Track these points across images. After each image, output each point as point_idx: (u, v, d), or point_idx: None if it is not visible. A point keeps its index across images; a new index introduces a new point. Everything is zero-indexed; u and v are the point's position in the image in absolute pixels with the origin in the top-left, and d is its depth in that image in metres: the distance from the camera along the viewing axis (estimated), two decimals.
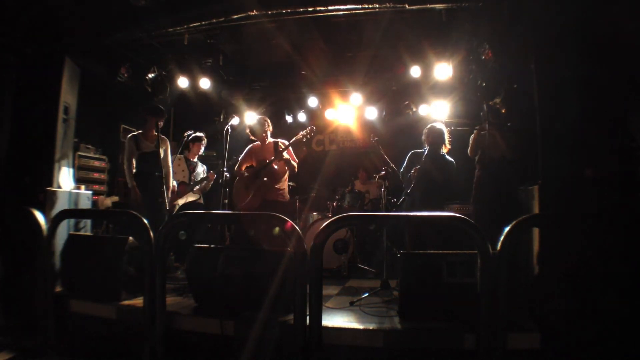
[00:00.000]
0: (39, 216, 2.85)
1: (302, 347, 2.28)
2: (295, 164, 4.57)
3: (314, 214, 5.49)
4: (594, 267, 2.68)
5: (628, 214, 2.64)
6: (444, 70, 4.96)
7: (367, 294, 3.49)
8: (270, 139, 4.70)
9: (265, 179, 4.48)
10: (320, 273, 2.31)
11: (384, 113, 6.49)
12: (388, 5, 3.89)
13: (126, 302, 3.09)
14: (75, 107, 4.63)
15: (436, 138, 4.36)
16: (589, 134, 3.01)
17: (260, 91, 6.44)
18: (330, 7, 4.01)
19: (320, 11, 4.04)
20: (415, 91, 5.98)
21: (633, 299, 2.54)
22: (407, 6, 3.90)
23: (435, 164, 4.24)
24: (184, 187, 5.02)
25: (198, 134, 5.20)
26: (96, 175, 5.96)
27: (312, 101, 6.48)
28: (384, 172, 4.61)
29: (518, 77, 3.91)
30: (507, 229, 2.12)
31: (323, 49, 5.25)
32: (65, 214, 3.38)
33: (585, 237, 2.73)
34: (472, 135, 4.29)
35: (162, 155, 4.47)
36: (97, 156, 6.02)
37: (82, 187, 4.78)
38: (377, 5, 3.92)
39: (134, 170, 4.47)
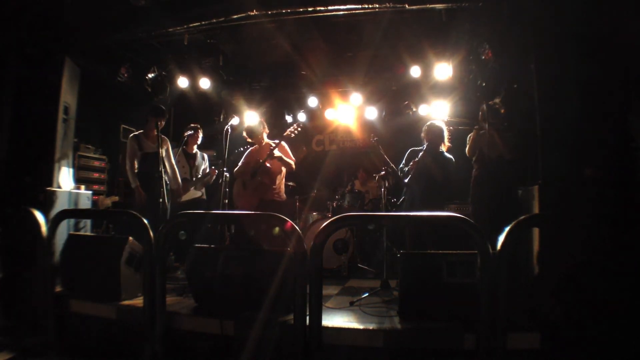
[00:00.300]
0: (39, 216, 2.85)
1: (302, 347, 2.28)
2: (290, 161, 4.57)
3: (314, 214, 5.49)
4: (593, 266, 2.68)
5: (628, 214, 2.64)
6: (444, 70, 4.97)
7: (367, 294, 3.49)
8: (266, 140, 4.70)
9: (259, 178, 4.49)
10: (320, 273, 2.31)
11: (384, 113, 6.49)
12: (388, 5, 3.89)
13: (126, 302, 3.09)
14: (75, 107, 4.64)
15: (435, 135, 4.36)
16: (589, 134, 3.01)
17: (260, 91, 6.44)
18: (330, 7, 4.01)
19: (320, 11, 4.04)
20: (415, 91, 5.98)
21: (633, 298, 2.54)
22: (407, 6, 3.90)
23: (435, 162, 4.24)
24: (186, 184, 5.01)
25: (191, 126, 5.14)
26: (96, 175, 5.97)
27: (312, 101, 6.48)
28: (384, 172, 4.60)
29: (518, 77, 3.91)
30: (507, 229, 2.12)
31: (323, 49, 5.25)
32: (65, 214, 3.38)
33: (585, 237, 2.73)
34: (471, 134, 4.30)
35: (163, 155, 4.48)
36: (97, 156, 6.03)
37: (82, 187, 4.78)
38: (377, 5, 3.92)
39: (136, 171, 4.48)
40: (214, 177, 5.05)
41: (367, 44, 5.02)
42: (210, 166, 5.34)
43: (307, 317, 2.29)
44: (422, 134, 4.48)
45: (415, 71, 5.22)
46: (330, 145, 7.82)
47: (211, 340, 2.74)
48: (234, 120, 4.52)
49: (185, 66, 5.35)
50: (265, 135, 4.72)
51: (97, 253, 3.29)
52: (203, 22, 4.28)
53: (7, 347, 2.82)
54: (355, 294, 3.60)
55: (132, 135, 4.65)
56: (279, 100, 6.63)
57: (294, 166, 4.64)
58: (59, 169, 4.37)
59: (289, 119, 6.68)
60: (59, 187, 4.32)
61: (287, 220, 2.46)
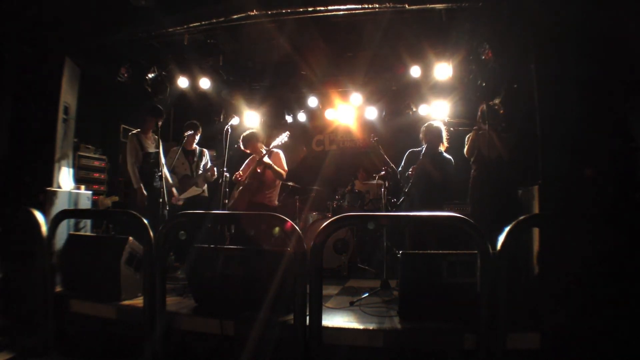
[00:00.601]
0: (39, 216, 2.85)
1: (302, 347, 2.28)
2: (280, 171, 4.57)
3: (314, 214, 5.49)
4: (593, 267, 2.68)
5: (628, 214, 2.64)
6: (444, 70, 4.96)
7: (367, 294, 3.49)
8: (263, 149, 4.68)
9: (247, 181, 4.52)
10: (320, 273, 2.31)
11: (384, 113, 6.48)
12: (388, 5, 3.89)
13: (126, 302, 3.09)
14: (75, 107, 4.64)
15: (433, 136, 4.36)
16: (589, 134, 3.01)
17: (260, 91, 6.43)
18: (330, 7, 4.00)
19: (320, 11, 4.03)
20: (415, 91, 5.97)
21: (633, 298, 2.54)
22: (407, 6, 3.90)
23: (433, 162, 4.25)
24: (187, 181, 4.99)
25: (191, 123, 5.10)
26: (96, 175, 5.97)
27: (312, 101, 6.48)
28: (384, 172, 4.61)
29: (518, 77, 3.91)
30: (507, 229, 2.12)
31: (323, 49, 5.24)
32: (65, 214, 3.38)
33: (585, 237, 2.73)
34: (469, 135, 4.30)
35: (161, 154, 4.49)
36: (97, 156, 6.03)
37: (82, 187, 4.78)
38: (377, 5, 3.92)
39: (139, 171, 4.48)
40: (215, 175, 5.03)
41: (367, 44, 5.01)
42: (213, 164, 5.32)
43: (307, 317, 2.30)
44: (421, 135, 4.48)
45: (415, 71, 5.21)
46: (330, 145, 7.82)
47: (211, 340, 2.74)
48: (234, 120, 4.52)
49: (185, 66, 5.34)
50: (260, 145, 4.70)
51: (97, 253, 3.29)
52: (203, 22, 4.28)
53: (7, 347, 2.82)
54: (355, 294, 3.61)
55: (131, 133, 4.65)
56: (279, 100, 6.62)
57: (284, 175, 4.64)
58: (59, 169, 4.37)
59: (289, 119, 6.68)
60: (59, 187, 4.32)
61: (287, 220, 2.46)
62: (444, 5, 3.98)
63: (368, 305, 3.22)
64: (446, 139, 4.43)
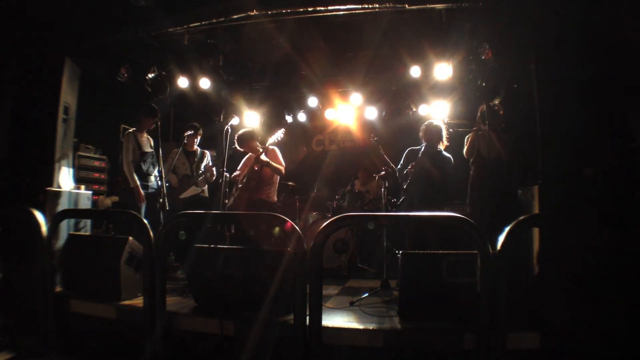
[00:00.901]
0: (39, 216, 2.85)
1: (302, 347, 2.28)
2: (279, 167, 4.56)
3: (314, 214, 5.49)
4: (593, 267, 2.68)
5: (628, 213, 2.64)
6: (444, 70, 4.96)
7: (367, 294, 3.49)
8: (259, 147, 4.68)
9: (249, 179, 4.52)
10: (320, 273, 2.31)
11: (384, 113, 6.48)
12: (388, 5, 3.89)
13: (126, 302, 3.09)
14: (75, 107, 4.64)
15: (433, 135, 4.36)
16: (589, 134, 3.01)
17: (260, 91, 6.44)
18: (330, 7, 4.01)
19: (320, 11, 4.04)
20: (415, 91, 5.98)
21: (633, 298, 2.54)
22: (407, 6, 3.90)
23: (433, 161, 4.25)
24: (187, 180, 5.00)
25: (191, 124, 5.11)
26: (96, 175, 5.97)
27: (312, 101, 6.48)
28: (384, 172, 4.61)
29: (518, 77, 3.91)
30: (507, 229, 2.12)
31: (323, 49, 5.24)
32: (65, 214, 3.39)
33: (585, 237, 2.73)
34: (469, 135, 4.30)
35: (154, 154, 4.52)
36: (97, 156, 6.03)
37: (82, 187, 4.78)
38: (377, 5, 3.92)
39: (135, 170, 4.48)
40: (215, 175, 5.03)
41: (367, 44, 5.01)
42: (213, 164, 5.32)
43: (307, 317, 2.29)
44: (420, 134, 4.48)
45: (415, 71, 5.21)
46: (330, 145, 7.82)
47: (211, 340, 2.74)
48: (234, 120, 4.52)
49: (185, 66, 5.34)
50: (256, 143, 4.70)
51: (97, 253, 3.29)
52: (203, 22, 4.28)
53: (7, 347, 2.82)
54: (355, 294, 3.60)
55: (128, 132, 4.65)
56: (279, 100, 6.63)
57: (283, 171, 4.64)
58: (59, 169, 4.37)
59: (289, 119, 6.68)
60: (59, 187, 4.32)
61: (287, 220, 2.46)
62: (444, 5, 3.98)
63: (368, 305, 3.22)
64: (446, 137, 4.44)
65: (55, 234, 2.91)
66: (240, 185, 4.63)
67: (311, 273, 2.30)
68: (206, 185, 5.16)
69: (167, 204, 4.04)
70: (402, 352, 2.53)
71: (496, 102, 4.31)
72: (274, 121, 6.72)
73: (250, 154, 4.76)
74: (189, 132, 4.92)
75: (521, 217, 2.19)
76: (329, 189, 6.37)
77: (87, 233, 4.55)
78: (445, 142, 4.44)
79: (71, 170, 4.63)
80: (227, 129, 4.25)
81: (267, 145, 4.55)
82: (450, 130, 4.57)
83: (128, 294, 3.17)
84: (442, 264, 2.77)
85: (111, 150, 6.26)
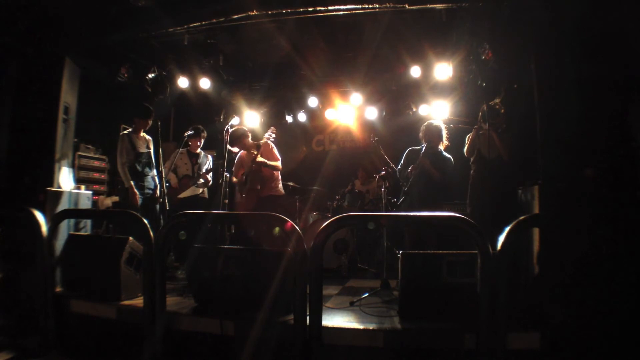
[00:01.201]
0: (39, 216, 2.85)
1: (302, 347, 2.28)
2: (274, 163, 4.58)
3: (314, 214, 5.49)
4: (594, 267, 2.68)
5: (628, 214, 2.64)
6: (444, 70, 4.96)
7: (367, 294, 3.49)
8: (250, 142, 4.66)
9: (249, 184, 4.53)
10: (320, 273, 2.31)
11: (384, 113, 6.48)
12: (388, 5, 3.89)
13: (126, 302, 3.09)
14: (75, 107, 4.63)
15: (433, 135, 4.36)
16: (589, 134, 3.01)
17: (260, 91, 6.44)
18: (330, 7, 4.00)
19: (320, 11, 4.04)
20: (415, 91, 5.98)
21: (633, 298, 2.54)
22: (407, 6, 3.90)
23: (433, 161, 4.25)
24: (187, 181, 5.00)
25: (195, 127, 5.13)
26: (96, 175, 5.98)
27: (312, 101, 6.48)
28: (384, 172, 4.61)
29: (518, 77, 3.91)
30: (507, 229, 2.12)
31: (323, 49, 5.24)
32: (65, 214, 3.39)
33: (585, 237, 2.73)
34: (470, 134, 4.30)
35: (152, 154, 4.52)
36: (97, 156, 6.04)
37: (82, 187, 4.78)
38: (377, 5, 3.92)
39: (130, 170, 4.49)
40: (210, 180, 5.03)
41: (367, 44, 5.01)
42: (214, 160, 5.32)
43: (307, 317, 2.29)
44: (421, 134, 4.48)
45: (415, 71, 5.21)
46: (330, 145, 7.82)
47: (211, 340, 2.74)
48: (234, 120, 4.52)
49: (185, 66, 5.34)
50: (249, 141, 4.68)
51: (97, 253, 3.29)
52: (203, 22, 4.28)
53: (7, 347, 2.82)
54: (355, 294, 3.60)
55: (122, 134, 4.66)
56: (279, 100, 6.63)
57: (279, 166, 4.64)
58: (59, 169, 4.37)
59: (289, 119, 6.68)
60: (59, 187, 4.32)
61: (287, 220, 2.46)
62: (444, 5, 3.98)
63: (368, 305, 3.22)
64: (446, 137, 4.43)
65: (55, 234, 2.90)
66: (243, 190, 4.63)
67: (311, 273, 2.30)
68: (205, 187, 5.17)
69: (167, 204, 4.04)
70: (402, 352, 2.53)
71: (496, 101, 4.30)
72: (274, 121, 6.72)
73: (241, 154, 4.75)
74: (189, 132, 4.92)
75: (521, 217, 2.19)
76: (329, 189, 6.37)
77: (87, 233, 4.56)
78: (446, 142, 4.44)
79: (71, 170, 4.63)
80: (227, 129, 4.25)
81: (259, 142, 4.55)
82: (451, 125, 4.57)
83: (128, 294, 3.17)
84: (442, 264, 2.77)
85: (111, 150, 6.24)
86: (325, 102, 6.62)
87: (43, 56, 4.32)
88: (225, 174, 4.19)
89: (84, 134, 5.49)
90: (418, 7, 3.96)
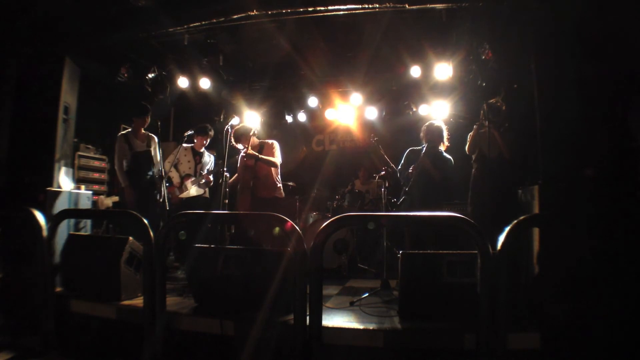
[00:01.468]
0: (39, 216, 2.85)
1: (302, 347, 2.28)
2: (273, 160, 4.57)
3: (314, 214, 5.49)
4: (594, 267, 2.68)
5: (628, 213, 2.64)
6: (444, 70, 4.96)
7: (367, 294, 3.49)
8: (257, 141, 4.67)
9: (249, 179, 4.51)
10: (320, 273, 2.31)
11: (384, 113, 6.48)
12: (388, 5, 3.89)
13: (126, 302, 3.09)
14: (75, 107, 4.64)
15: (434, 135, 4.36)
16: (589, 134, 3.01)
17: (260, 91, 6.44)
18: (330, 7, 4.01)
19: (320, 11, 4.04)
20: (415, 91, 5.98)
21: (633, 298, 2.54)
22: (407, 6, 3.90)
23: (434, 162, 4.25)
24: (188, 179, 4.99)
25: (203, 125, 5.14)
26: (96, 175, 5.98)
27: (312, 101, 6.48)
28: (384, 172, 4.61)
29: (518, 77, 3.91)
30: (507, 228, 2.12)
31: (323, 49, 5.25)
32: (65, 214, 3.38)
33: (585, 237, 2.73)
34: (471, 132, 4.29)
35: (152, 153, 4.51)
36: (97, 156, 6.04)
37: (82, 187, 4.78)
38: (377, 5, 3.92)
39: (126, 170, 4.49)
40: (211, 181, 5.02)
41: (367, 44, 5.01)
42: (216, 160, 5.32)
43: (307, 317, 2.29)
44: (421, 134, 4.48)
45: (415, 71, 5.21)
46: (330, 145, 7.82)
47: (211, 340, 2.74)
48: (234, 120, 4.52)
49: (185, 66, 5.35)
50: (253, 138, 4.69)
51: (97, 253, 3.29)
52: (203, 22, 4.28)
53: (7, 347, 2.82)
54: (355, 294, 3.60)
55: (120, 134, 4.66)
56: (279, 100, 6.63)
57: (276, 163, 4.62)
58: (59, 169, 4.37)
59: (289, 119, 6.68)
60: (59, 187, 4.32)
61: (287, 220, 2.46)
62: (444, 5, 3.98)
63: (368, 305, 3.22)
64: (447, 138, 4.43)
65: (55, 234, 2.90)
66: (240, 187, 4.62)
67: (311, 273, 2.30)
68: (207, 187, 5.17)
69: (167, 203, 4.04)
70: (402, 352, 2.53)
71: (498, 98, 4.29)
72: (274, 121, 6.72)
73: (241, 155, 4.76)
74: (189, 132, 4.92)
75: (521, 217, 2.18)
76: (329, 189, 6.37)
77: (87, 233, 4.56)
78: (447, 143, 4.44)
79: (71, 170, 4.64)
80: (227, 129, 4.25)
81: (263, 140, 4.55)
82: (451, 119, 4.56)
83: (128, 294, 3.17)
84: (442, 264, 2.77)
85: (111, 150, 6.24)
86: (325, 102, 6.62)
87: (43, 56, 4.33)
88: (225, 174, 4.19)
89: (84, 134, 5.49)
90: (418, 7, 3.96)
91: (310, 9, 4.00)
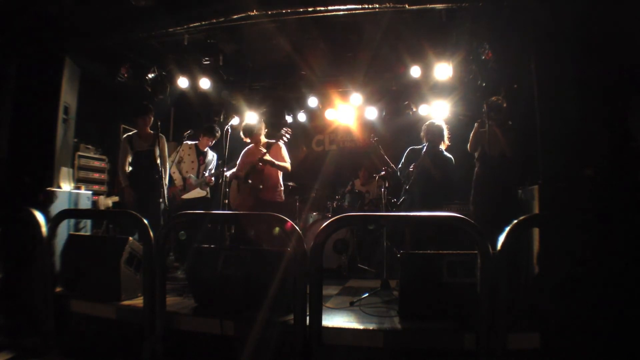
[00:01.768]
0: (39, 216, 2.85)
1: (302, 347, 2.28)
2: (283, 164, 4.55)
3: (314, 214, 5.49)
4: (593, 267, 2.68)
5: (628, 213, 2.64)
6: (444, 70, 4.96)
7: (367, 294, 3.49)
8: (264, 140, 4.68)
9: (251, 181, 4.48)
10: (320, 273, 2.31)
11: (384, 113, 6.49)
12: (388, 5, 3.89)
13: (126, 302, 3.09)
14: (75, 107, 4.64)
15: (434, 135, 4.36)
16: (589, 134, 3.01)
17: (260, 91, 6.44)
18: (330, 7, 4.01)
19: (320, 11, 4.04)
20: (415, 91, 5.98)
21: (633, 298, 2.54)
22: (407, 6, 3.90)
23: (434, 161, 4.24)
24: (190, 180, 4.98)
25: (210, 125, 5.14)
26: (96, 175, 5.97)
27: (312, 101, 6.48)
28: (384, 172, 4.61)
29: (518, 77, 3.91)
30: (507, 228, 2.12)
31: (323, 49, 5.25)
32: (65, 214, 3.38)
33: (585, 237, 2.73)
34: (473, 130, 4.28)
35: (158, 153, 4.49)
36: (97, 156, 6.03)
37: (82, 187, 4.78)
38: (377, 5, 3.92)
39: (128, 170, 4.48)
40: (212, 181, 5.02)
41: (367, 44, 5.02)
42: (219, 159, 5.30)
43: (307, 317, 2.29)
44: (422, 134, 4.48)
45: (415, 71, 5.21)
46: (330, 145, 7.82)
47: (211, 340, 2.74)
48: (234, 120, 4.51)
49: (185, 66, 5.34)
50: (263, 135, 4.70)
51: (97, 253, 3.29)
52: (203, 22, 4.28)
53: (7, 347, 2.82)
54: (355, 294, 3.60)
55: (125, 135, 4.66)
56: (279, 100, 6.63)
57: (288, 168, 4.62)
58: (59, 169, 4.37)
59: (289, 119, 6.68)
60: (59, 187, 4.32)
61: (287, 220, 2.46)
62: (444, 5, 3.98)
63: (368, 305, 3.22)
64: (447, 137, 4.43)
65: (55, 234, 2.90)
66: (238, 186, 4.60)
67: (311, 273, 2.30)
68: (208, 187, 5.17)
69: (167, 203, 4.04)
70: (402, 352, 2.53)
71: (499, 96, 4.27)
72: (274, 121, 6.72)
73: (248, 149, 4.74)
74: (189, 132, 4.92)
75: (521, 217, 2.19)
76: (329, 189, 6.37)
77: (87, 233, 4.55)
78: (447, 142, 4.43)
79: (71, 170, 4.64)
80: (227, 129, 4.24)
81: (273, 143, 4.52)
82: (454, 117, 4.55)
83: (128, 294, 3.17)
84: (442, 264, 2.77)
85: (111, 150, 6.25)
86: (325, 102, 6.62)
87: (43, 56, 4.32)
88: (225, 174, 4.19)
89: (83, 134, 5.49)
90: (418, 7, 3.96)
91: (310, 9, 4.00)
